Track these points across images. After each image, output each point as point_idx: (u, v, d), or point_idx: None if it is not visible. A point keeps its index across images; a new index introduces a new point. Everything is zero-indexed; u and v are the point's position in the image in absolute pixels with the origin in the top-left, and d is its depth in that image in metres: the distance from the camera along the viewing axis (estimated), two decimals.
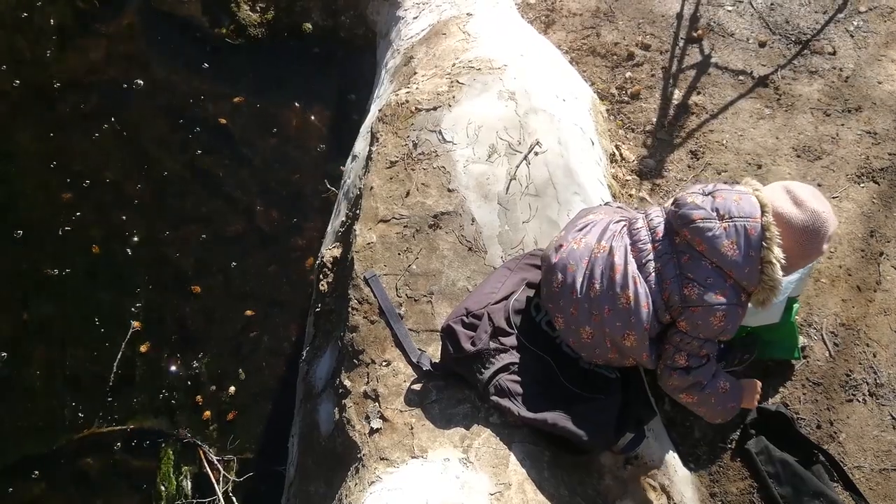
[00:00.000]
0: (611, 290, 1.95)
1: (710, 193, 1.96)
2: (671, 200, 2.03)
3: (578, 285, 1.98)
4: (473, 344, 2.07)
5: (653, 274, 1.93)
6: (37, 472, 3.40)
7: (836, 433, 2.60)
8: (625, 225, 2.07)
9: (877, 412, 2.62)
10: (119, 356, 3.54)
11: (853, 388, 2.66)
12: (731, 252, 1.84)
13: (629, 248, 1.98)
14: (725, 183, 2.04)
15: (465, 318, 2.11)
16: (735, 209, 1.87)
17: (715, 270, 1.86)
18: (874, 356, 2.71)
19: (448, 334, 2.13)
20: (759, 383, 2.17)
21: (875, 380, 2.67)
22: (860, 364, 2.70)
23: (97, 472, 3.41)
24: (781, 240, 1.84)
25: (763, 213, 1.86)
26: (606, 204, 2.40)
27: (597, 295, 1.96)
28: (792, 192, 1.87)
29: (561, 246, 2.05)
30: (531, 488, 2.01)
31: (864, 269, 2.87)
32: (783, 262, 1.84)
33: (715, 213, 1.88)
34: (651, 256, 1.94)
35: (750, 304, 2.02)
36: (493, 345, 2.08)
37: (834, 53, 3.37)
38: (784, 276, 1.86)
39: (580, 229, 2.09)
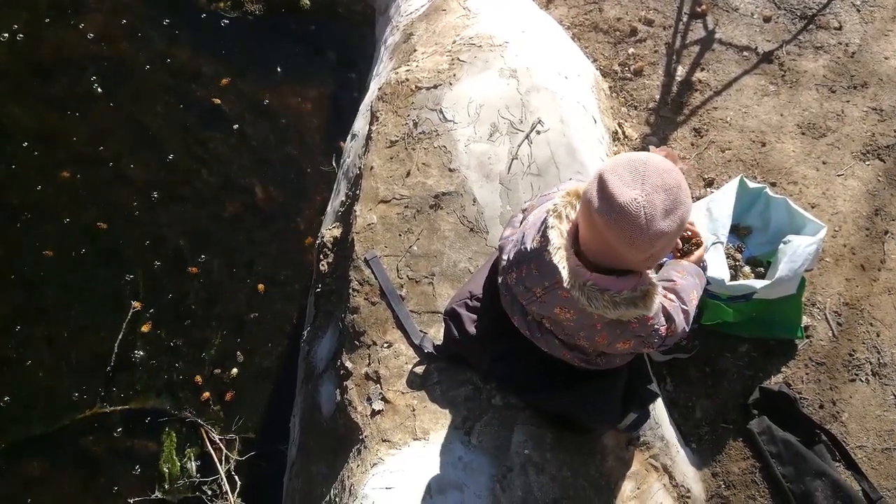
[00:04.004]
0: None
1: (516, 263, 1.73)
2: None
3: None
4: (478, 327, 2.05)
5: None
6: (40, 453, 3.41)
7: (838, 413, 2.60)
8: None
9: (880, 392, 2.61)
10: (120, 336, 3.54)
11: (856, 368, 2.65)
12: (566, 317, 1.66)
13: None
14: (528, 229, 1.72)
15: (469, 301, 2.09)
16: (539, 280, 1.64)
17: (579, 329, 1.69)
18: (878, 336, 2.70)
19: (452, 317, 2.11)
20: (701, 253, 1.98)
21: (878, 359, 2.66)
22: (863, 344, 2.69)
23: (100, 452, 3.43)
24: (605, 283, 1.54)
25: (561, 279, 1.56)
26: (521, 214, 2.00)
27: None
28: (607, 190, 1.41)
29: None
30: (533, 470, 2.01)
31: (869, 247, 2.85)
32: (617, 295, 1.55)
33: (531, 293, 1.69)
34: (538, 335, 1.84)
35: (766, 280, 1.95)
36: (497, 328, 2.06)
37: (840, 28, 3.31)
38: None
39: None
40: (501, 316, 1.96)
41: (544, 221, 1.62)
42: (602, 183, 1.42)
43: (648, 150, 2.29)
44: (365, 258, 2.39)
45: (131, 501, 3.29)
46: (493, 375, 2.11)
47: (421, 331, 2.26)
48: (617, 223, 1.40)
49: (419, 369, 2.21)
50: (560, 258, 1.55)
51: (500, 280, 1.88)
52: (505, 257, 1.83)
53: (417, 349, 2.23)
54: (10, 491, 3.36)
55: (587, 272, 1.53)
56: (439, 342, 2.22)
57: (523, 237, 1.71)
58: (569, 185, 1.70)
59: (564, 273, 1.54)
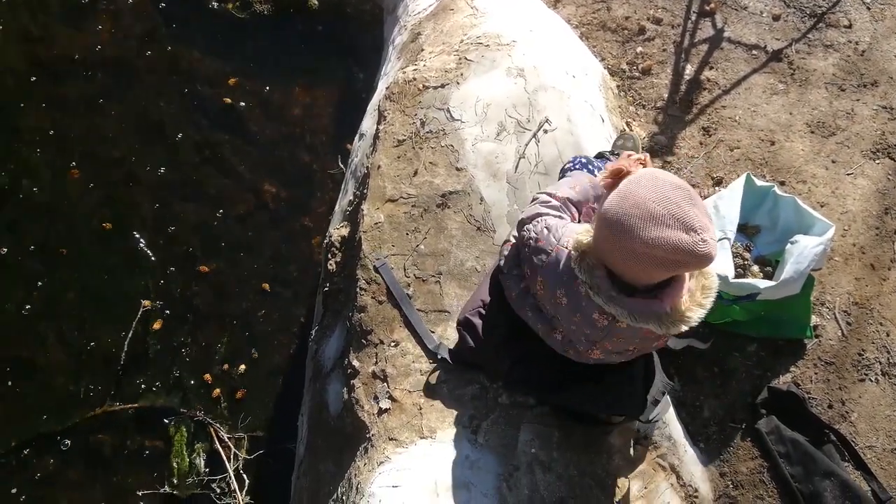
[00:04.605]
0: None
1: (591, 343, 1.75)
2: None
3: None
4: (492, 335, 2.04)
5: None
6: (51, 449, 3.44)
7: (847, 413, 2.58)
8: None
9: (889, 392, 2.60)
10: (130, 335, 3.56)
11: (866, 368, 2.64)
12: (661, 343, 1.77)
13: None
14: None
15: (481, 310, 2.07)
16: (627, 342, 1.71)
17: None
18: (887, 335, 2.68)
19: (467, 327, 2.10)
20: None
21: (888, 359, 2.64)
22: (873, 343, 2.67)
23: (111, 449, 3.46)
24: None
25: (651, 331, 1.58)
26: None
27: None
28: (665, 246, 1.41)
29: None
30: (540, 469, 2.01)
31: (879, 246, 2.83)
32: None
33: (626, 352, 1.78)
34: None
35: (772, 281, 1.91)
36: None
37: (850, 26, 3.29)
38: None
39: None
40: (514, 321, 1.95)
41: (585, 300, 1.60)
42: (642, 240, 1.40)
43: (618, 154, 2.25)
44: (374, 265, 2.39)
45: (140, 494, 3.31)
46: (512, 378, 2.10)
47: (431, 331, 2.26)
48: (693, 263, 1.43)
49: (433, 378, 2.20)
50: (638, 319, 1.54)
51: (551, 343, 1.87)
52: (538, 324, 1.84)
53: (429, 351, 2.23)
54: (23, 487, 3.39)
55: (659, 304, 1.53)
56: (449, 342, 2.22)
57: (580, 320, 1.67)
58: (558, 235, 1.70)
59: (655, 328, 1.54)
